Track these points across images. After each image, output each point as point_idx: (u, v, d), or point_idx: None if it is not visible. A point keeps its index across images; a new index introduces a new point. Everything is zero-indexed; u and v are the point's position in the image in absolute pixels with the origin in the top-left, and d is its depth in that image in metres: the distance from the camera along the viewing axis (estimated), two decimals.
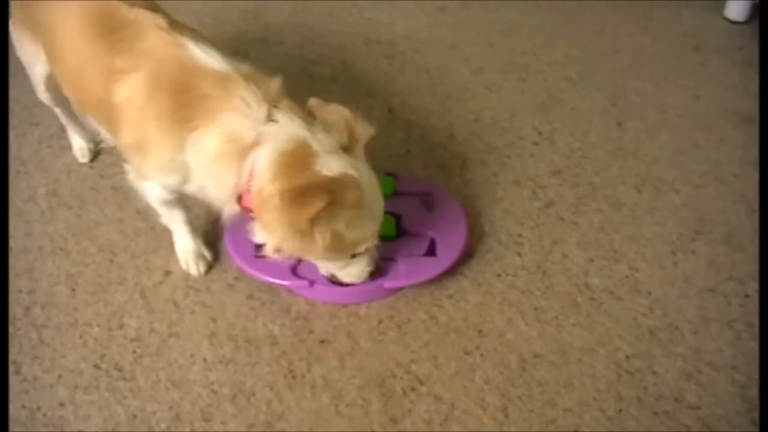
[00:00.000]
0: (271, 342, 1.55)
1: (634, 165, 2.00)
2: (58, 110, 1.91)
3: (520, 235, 1.79)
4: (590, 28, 2.57)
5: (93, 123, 1.64)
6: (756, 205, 1.86)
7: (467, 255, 1.72)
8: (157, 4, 1.51)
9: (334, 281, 1.55)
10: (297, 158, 1.30)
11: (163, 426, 1.41)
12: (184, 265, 1.69)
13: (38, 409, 1.44)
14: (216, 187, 1.39)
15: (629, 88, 2.28)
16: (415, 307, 1.62)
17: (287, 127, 1.32)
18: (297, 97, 1.40)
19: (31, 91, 1.86)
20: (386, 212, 1.47)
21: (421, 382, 1.48)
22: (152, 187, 1.53)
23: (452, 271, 1.66)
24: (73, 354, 1.53)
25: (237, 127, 1.31)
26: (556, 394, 1.46)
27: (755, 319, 1.59)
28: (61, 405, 1.44)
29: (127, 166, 1.57)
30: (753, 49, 2.39)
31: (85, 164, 1.97)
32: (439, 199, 1.79)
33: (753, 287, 1.66)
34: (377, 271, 1.56)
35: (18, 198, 1.87)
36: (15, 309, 1.61)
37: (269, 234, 1.35)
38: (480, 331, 1.58)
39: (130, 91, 1.37)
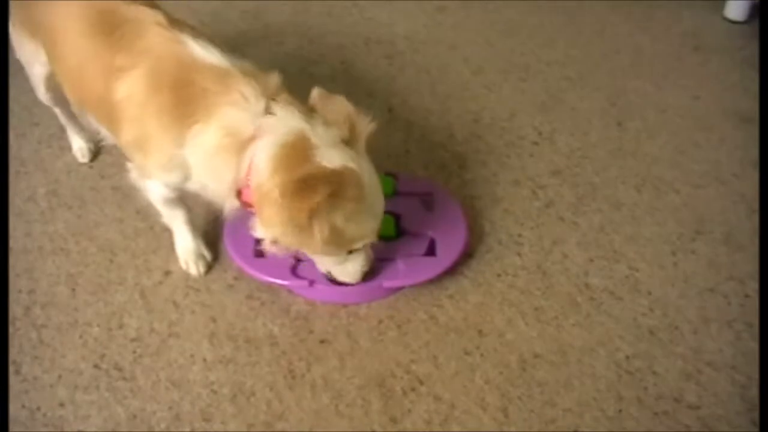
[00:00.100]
0: (271, 342, 1.55)
1: (634, 165, 2.00)
2: (57, 110, 1.91)
3: (520, 235, 1.79)
4: (590, 28, 2.57)
5: (93, 122, 1.64)
6: (756, 205, 1.86)
7: (467, 255, 1.72)
8: (157, 2, 1.51)
9: (332, 280, 1.55)
10: (297, 150, 1.29)
11: (162, 426, 1.41)
12: (183, 265, 1.69)
13: (38, 409, 1.44)
14: (215, 182, 1.39)
15: (629, 88, 2.28)
16: (415, 307, 1.62)
17: (286, 120, 1.32)
18: (297, 97, 1.39)
19: (31, 91, 1.86)
20: (386, 212, 1.47)
21: (421, 382, 1.48)
22: (154, 186, 1.53)
23: (452, 271, 1.66)
24: (73, 354, 1.53)
25: (235, 121, 1.31)
26: (556, 394, 1.46)
27: (755, 319, 1.59)
28: (61, 405, 1.44)
29: (129, 165, 1.57)
30: (753, 49, 2.39)
31: (85, 164, 1.97)
32: (439, 199, 1.79)
33: (753, 287, 1.66)
34: (372, 272, 1.55)
35: (18, 198, 1.87)
36: (15, 309, 1.61)
37: (269, 228, 1.35)
38: (480, 331, 1.58)
39: (131, 88, 1.37)
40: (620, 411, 1.44)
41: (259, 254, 1.59)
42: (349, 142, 1.36)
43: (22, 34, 1.68)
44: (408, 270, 1.61)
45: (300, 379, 1.49)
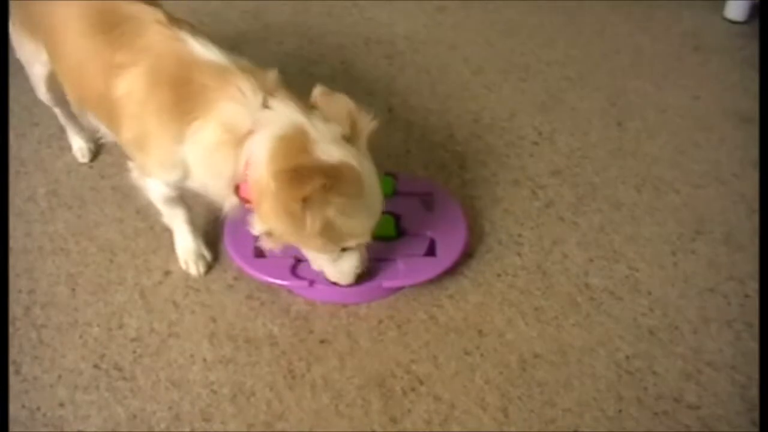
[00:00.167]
0: (271, 342, 1.55)
1: (634, 165, 2.00)
2: (57, 110, 1.91)
3: (520, 235, 1.79)
4: (590, 28, 2.57)
5: (93, 121, 1.64)
6: (756, 205, 1.86)
7: (467, 255, 1.72)
8: (156, 1, 1.51)
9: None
10: (295, 143, 1.29)
11: (162, 426, 1.41)
12: (183, 265, 1.69)
13: (38, 409, 1.44)
14: (214, 178, 1.39)
15: (629, 88, 2.28)
16: (415, 307, 1.62)
17: (284, 114, 1.32)
18: (296, 95, 1.39)
19: (31, 91, 1.86)
20: (386, 212, 1.47)
21: (421, 382, 1.48)
22: (154, 184, 1.53)
23: (452, 271, 1.66)
24: (73, 354, 1.53)
25: (233, 116, 1.31)
26: (556, 394, 1.46)
27: (755, 319, 1.59)
28: (61, 405, 1.44)
29: (130, 164, 1.57)
30: (753, 49, 2.39)
31: (85, 164, 1.97)
32: (439, 199, 1.78)
33: (753, 287, 1.66)
34: (367, 274, 1.55)
35: (18, 198, 1.87)
36: (15, 309, 1.61)
37: (265, 222, 1.35)
38: (480, 331, 1.58)
39: (130, 86, 1.37)
40: (620, 411, 1.44)
41: (259, 254, 1.59)
42: (350, 139, 1.35)
43: (22, 34, 1.68)
44: (408, 270, 1.61)
45: (300, 379, 1.49)
